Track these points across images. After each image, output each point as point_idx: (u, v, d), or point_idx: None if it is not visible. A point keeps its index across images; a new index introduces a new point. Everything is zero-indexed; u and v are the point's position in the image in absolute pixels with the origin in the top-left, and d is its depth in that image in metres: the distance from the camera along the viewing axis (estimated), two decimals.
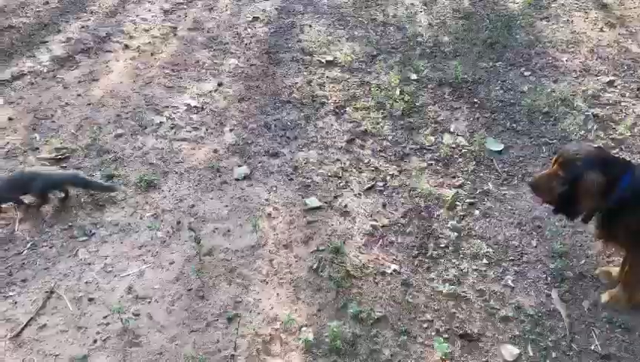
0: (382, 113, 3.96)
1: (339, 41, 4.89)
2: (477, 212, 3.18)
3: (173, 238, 3.00)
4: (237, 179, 3.42)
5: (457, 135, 3.73)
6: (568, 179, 2.33)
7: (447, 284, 2.75)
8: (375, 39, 4.88)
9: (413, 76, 4.33)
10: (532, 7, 5.28)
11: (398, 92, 4.12)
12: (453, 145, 3.62)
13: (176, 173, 3.46)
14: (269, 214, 3.18)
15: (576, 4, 5.38)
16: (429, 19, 5.24)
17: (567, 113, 3.86)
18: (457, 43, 4.79)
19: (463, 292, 2.72)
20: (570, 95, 4.02)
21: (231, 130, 3.85)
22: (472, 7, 5.41)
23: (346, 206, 3.21)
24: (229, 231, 3.07)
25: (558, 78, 4.24)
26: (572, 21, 5.05)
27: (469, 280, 2.79)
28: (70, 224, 3.06)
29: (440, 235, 3.02)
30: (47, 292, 2.70)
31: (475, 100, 4.06)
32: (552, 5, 5.36)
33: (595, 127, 3.70)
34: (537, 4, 5.35)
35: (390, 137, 3.74)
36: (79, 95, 4.13)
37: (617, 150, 3.52)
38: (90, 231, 3.02)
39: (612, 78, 4.21)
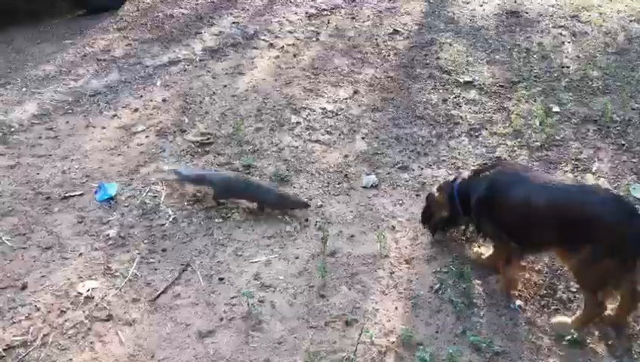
0: (519, 142, 3.84)
1: (478, 62, 4.82)
2: None
3: (300, 234, 3.11)
4: (364, 187, 3.47)
5: (600, 176, 3.51)
6: (426, 204, 3.09)
7: (575, 331, 2.60)
8: (517, 65, 4.74)
9: (556, 108, 4.16)
10: None
11: (538, 122, 3.97)
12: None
13: (308, 172, 3.58)
14: (393, 227, 3.19)
15: None
16: (577, 51, 5.00)
17: None
18: (608, 79, 4.52)
19: (593, 342, 2.56)
20: None
21: (362, 138, 3.92)
22: (627, 42, 5.09)
23: (472, 232, 3.15)
24: (352, 236, 3.12)
25: None
26: None
27: (599, 332, 2.62)
28: (209, 205, 3.27)
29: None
30: (182, 265, 2.90)
31: (623, 142, 3.81)
32: None
33: None
34: None
35: None
36: (225, 86, 4.42)
37: None
38: (226, 215, 3.21)
39: None
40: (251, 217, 3.20)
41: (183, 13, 5.49)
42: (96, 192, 3.36)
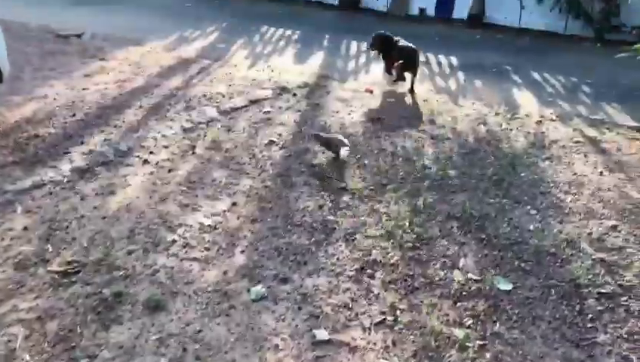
0: (392, 243, 4.02)
1: (350, 167, 5.09)
2: (488, 355, 3.12)
3: None
4: (254, 300, 3.39)
5: (467, 271, 3.75)
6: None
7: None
8: (385, 169, 5.08)
9: (422, 208, 4.46)
10: (534, 148, 5.56)
11: (407, 223, 4.22)
12: (463, 282, 3.64)
13: (185, 294, 3.44)
14: (277, 346, 3.11)
15: (576, 147, 5.67)
16: (436, 152, 5.49)
17: (573, 255, 3.93)
18: (464, 177, 4.98)
19: None
20: (576, 237, 4.12)
21: (242, 252, 3.88)
22: (477, 143, 5.69)
23: (355, 340, 3.16)
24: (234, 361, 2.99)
25: (564, 219, 4.37)
26: (573, 163, 5.30)
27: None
28: (73, 344, 2.99)
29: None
30: None
31: (483, 236, 4.14)
32: (553, 146, 5.64)
33: (602, 272, 3.75)
34: (539, 145, 5.64)
35: (400, 269, 3.77)
36: (95, 207, 4.22)
37: (626, 298, 3.54)
38: (94, 354, 2.94)
39: (615, 222, 4.33)
40: (122, 352, 2.96)
41: (50, 133, 5.28)
42: None
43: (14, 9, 9.62)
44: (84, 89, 6.55)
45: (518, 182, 4.90)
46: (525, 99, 7.43)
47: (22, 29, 8.71)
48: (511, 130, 6.19)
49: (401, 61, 7.07)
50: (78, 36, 8.83)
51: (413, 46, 7.15)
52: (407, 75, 7.26)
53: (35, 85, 6.52)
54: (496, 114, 6.68)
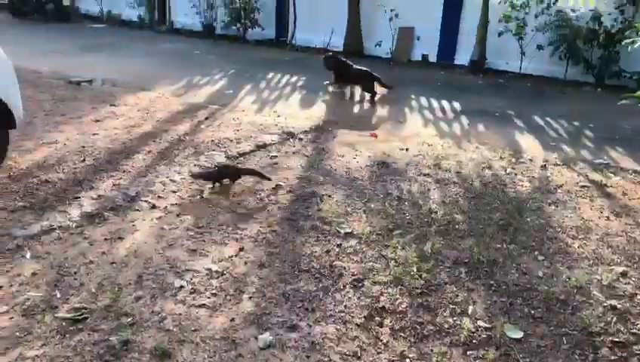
0: (400, 289, 3.99)
1: (356, 212, 5.11)
2: None
3: None
4: (262, 348, 3.35)
5: (476, 318, 3.71)
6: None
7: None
8: (391, 213, 5.10)
9: (430, 253, 4.45)
10: (539, 192, 5.58)
11: (415, 269, 4.20)
12: (473, 330, 3.59)
13: (192, 342, 3.40)
14: None
15: (581, 191, 5.68)
16: (441, 196, 5.52)
17: (584, 302, 3.89)
18: (471, 222, 4.99)
19: None
20: (585, 283, 4.09)
21: (249, 298, 3.86)
22: (483, 187, 5.72)
23: None
24: None
25: (572, 265, 4.35)
26: (579, 208, 5.30)
27: None
28: None
29: None
30: None
31: (492, 282, 4.11)
32: (558, 191, 5.66)
33: (614, 320, 3.71)
34: (544, 189, 5.66)
35: (409, 316, 3.73)
36: (103, 253, 4.24)
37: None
38: None
39: (625, 268, 4.31)
40: None
41: (60, 178, 5.35)
42: None
43: (28, 57, 9.90)
44: (94, 134, 6.68)
45: (525, 227, 4.90)
46: (529, 144, 7.52)
47: (35, 76, 8.95)
48: (516, 174, 6.24)
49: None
50: (89, 82, 9.05)
51: (365, 68, 9.55)
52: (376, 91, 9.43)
53: (47, 130, 6.66)
54: (501, 158, 6.75)
